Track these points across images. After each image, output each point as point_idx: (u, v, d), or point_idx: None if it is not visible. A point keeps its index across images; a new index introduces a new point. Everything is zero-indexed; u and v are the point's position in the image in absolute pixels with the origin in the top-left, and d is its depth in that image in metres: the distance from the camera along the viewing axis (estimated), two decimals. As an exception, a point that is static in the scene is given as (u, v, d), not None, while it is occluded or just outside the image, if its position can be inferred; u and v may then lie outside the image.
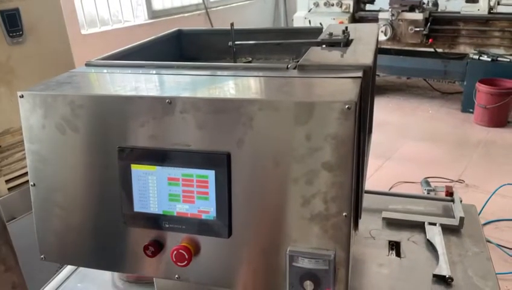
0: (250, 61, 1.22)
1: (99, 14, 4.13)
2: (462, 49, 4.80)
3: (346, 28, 1.16)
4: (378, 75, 4.91)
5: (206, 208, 0.86)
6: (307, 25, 5.20)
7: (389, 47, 4.93)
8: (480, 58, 4.59)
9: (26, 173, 1.76)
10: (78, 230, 0.96)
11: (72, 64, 2.24)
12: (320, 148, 0.78)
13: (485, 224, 2.84)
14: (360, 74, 0.90)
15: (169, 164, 0.87)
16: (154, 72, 1.04)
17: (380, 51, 1.64)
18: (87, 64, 1.12)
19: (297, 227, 0.83)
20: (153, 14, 4.69)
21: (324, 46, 1.14)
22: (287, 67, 0.99)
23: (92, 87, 0.99)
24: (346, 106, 0.75)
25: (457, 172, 3.58)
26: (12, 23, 1.92)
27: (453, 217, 1.45)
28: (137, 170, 0.89)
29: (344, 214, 0.80)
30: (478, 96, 4.45)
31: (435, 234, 1.35)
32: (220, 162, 0.83)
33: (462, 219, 1.38)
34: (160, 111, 0.85)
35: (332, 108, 0.76)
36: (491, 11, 4.55)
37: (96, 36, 4.00)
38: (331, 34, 1.16)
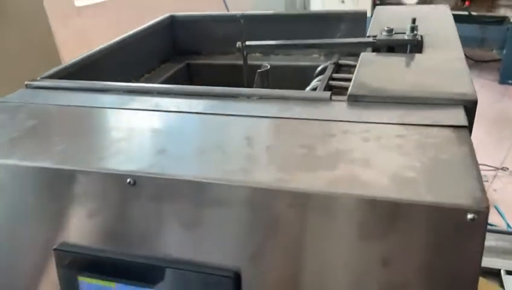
0: (267, 71, 0.84)
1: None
2: (502, 12, 4.26)
3: (414, 20, 0.76)
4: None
5: None
6: (325, 4, 4.53)
7: (419, 12, 4.41)
8: (524, 22, 4.04)
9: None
10: None
11: (55, 53, 1.86)
12: (408, 283, 0.42)
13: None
14: (462, 117, 0.52)
15: (137, 283, 0.51)
16: (121, 105, 0.66)
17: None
18: (28, 86, 0.75)
19: None
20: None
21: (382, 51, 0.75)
22: (330, 98, 0.61)
23: (15, 145, 0.60)
24: (469, 216, 0.38)
25: (498, 157, 3.15)
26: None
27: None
28: (88, 284, 0.54)
29: None
30: (520, 67, 3.94)
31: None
32: (223, 287, 0.48)
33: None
34: (118, 196, 0.49)
35: (442, 217, 0.39)
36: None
37: (93, 8, 3.59)
38: (390, 31, 0.76)
